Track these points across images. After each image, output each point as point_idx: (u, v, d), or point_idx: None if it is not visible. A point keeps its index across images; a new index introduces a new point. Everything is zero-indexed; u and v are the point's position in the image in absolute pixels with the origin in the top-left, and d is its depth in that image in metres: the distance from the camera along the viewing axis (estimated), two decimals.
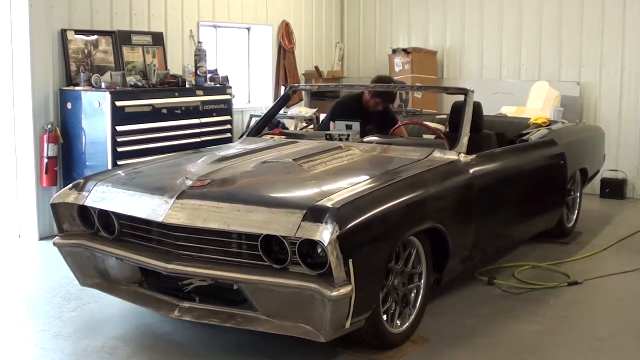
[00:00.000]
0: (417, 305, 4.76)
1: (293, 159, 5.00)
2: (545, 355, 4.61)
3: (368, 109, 6.65)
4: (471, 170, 5.30)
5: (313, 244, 3.95)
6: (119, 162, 7.09)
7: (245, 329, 4.28)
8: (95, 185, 4.89)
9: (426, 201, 4.70)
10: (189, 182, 4.52)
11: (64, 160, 7.48)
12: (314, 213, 3.97)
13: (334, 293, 3.79)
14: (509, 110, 8.82)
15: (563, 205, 6.96)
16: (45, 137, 7.24)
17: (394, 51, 10.73)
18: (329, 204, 4.04)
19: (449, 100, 7.48)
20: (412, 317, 4.71)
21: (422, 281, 4.79)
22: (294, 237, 3.94)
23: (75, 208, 4.93)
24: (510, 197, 5.93)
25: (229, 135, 8.49)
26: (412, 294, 4.74)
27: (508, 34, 10.26)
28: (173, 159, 5.66)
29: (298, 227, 3.94)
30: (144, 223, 4.57)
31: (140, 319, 5.08)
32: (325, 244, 3.79)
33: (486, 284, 5.84)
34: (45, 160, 7.24)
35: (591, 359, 4.60)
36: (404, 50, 10.54)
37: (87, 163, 7.39)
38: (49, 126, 7.28)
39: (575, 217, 7.52)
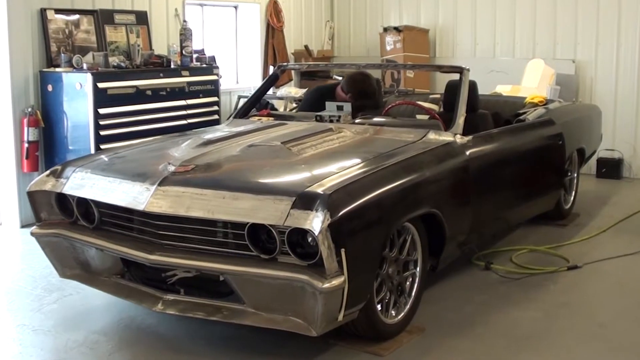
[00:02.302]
0: (413, 293, 4.55)
1: (281, 142, 4.76)
2: (546, 343, 4.42)
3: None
4: (467, 152, 5.08)
5: (303, 233, 3.73)
6: (102, 146, 6.88)
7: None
8: (73, 172, 4.66)
9: (422, 185, 4.49)
10: (172, 168, 4.29)
11: (45, 144, 7.25)
12: (304, 200, 3.75)
13: (326, 285, 3.58)
14: (504, 89, 8.59)
15: (561, 187, 6.77)
16: (25, 121, 7.01)
17: (385, 30, 10.47)
18: (319, 190, 3.81)
19: (442, 80, 7.29)
20: (408, 306, 4.50)
21: (418, 268, 4.59)
22: (283, 225, 3.72)
23: (53, 196, 4.71)
24: (508, 179, 5.71)
25: (216, 117, 8.27)
26: (408, 283, 4.53)
27: (502, 11, 10.01)
28: (157, 142, 5.41)
29: (287, 215, 3.71)
30: (124, 211, 4.34)
31: (123, 312, 4.86)
32: (316, 233, 3.58)
33: (483, 269, 5.66)
34: (26, 145, 7.01)
35: (593, 346, 4.40)
36: (396, 28, 10.29)
37: (70, 147, 7.17)
38: (29, 110, 7.05)
39: (572, 198, 7.32)
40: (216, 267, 3.94)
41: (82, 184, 4.55)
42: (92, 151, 6.85)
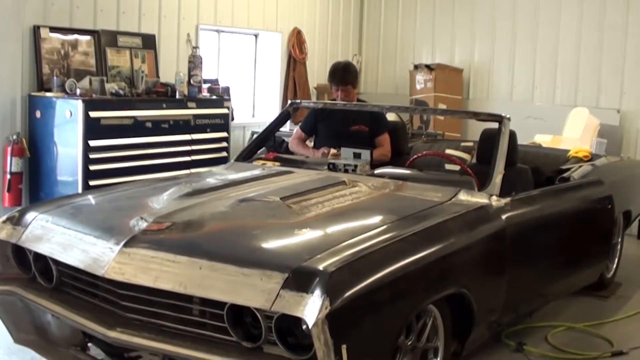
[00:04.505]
0: None
1: (281, 198, 3.95)
2: None
3: (349, 115, 5.93)
4: (504, 217, 4.26)
5: (296, 318, 2.93)
6: (92, 183, 6.23)
7: None
8: (34, 219, 3.90)
9: (448, 261, 3.66)
10: (144, 225, 3.51)
11: (31, 177, 6.58)
12: (298, 278, 2.95)
13: None
14: (544, 140, 7.80)
15: (608, 256, 5.91)
16: (9, 149, 6.36)
17: (416, 67, 9.76)
18: (319, 267, 3.01)
19: (475, 123, 6.60)
20: None
21: (439, 358, 3.77)
22: (270, 310, 2.93)
23: (9, 246, 3.94)
24: (550, 248, 4.86)
25: (224, 154, 7.55)
26: None
27: (542, 53, 9.25)
28: (140, 186, 4.65)
29: (276, 297, 2.91)
30: (85, 274, 3.56)
31: None
32: (310, 325, 2.77)
33: (514, 350, 4.82)
34: (8, 176, 6.35)
35: None
36: (427, 66, 9.58)
37: (59, 180, 6.46)
38: (15, 137, 6.40)
39: (615, 266, 6.45)
40: (188, 354, 3.13)
41: (41, 235, 3.79)
42: (80, 188, 6.15)
